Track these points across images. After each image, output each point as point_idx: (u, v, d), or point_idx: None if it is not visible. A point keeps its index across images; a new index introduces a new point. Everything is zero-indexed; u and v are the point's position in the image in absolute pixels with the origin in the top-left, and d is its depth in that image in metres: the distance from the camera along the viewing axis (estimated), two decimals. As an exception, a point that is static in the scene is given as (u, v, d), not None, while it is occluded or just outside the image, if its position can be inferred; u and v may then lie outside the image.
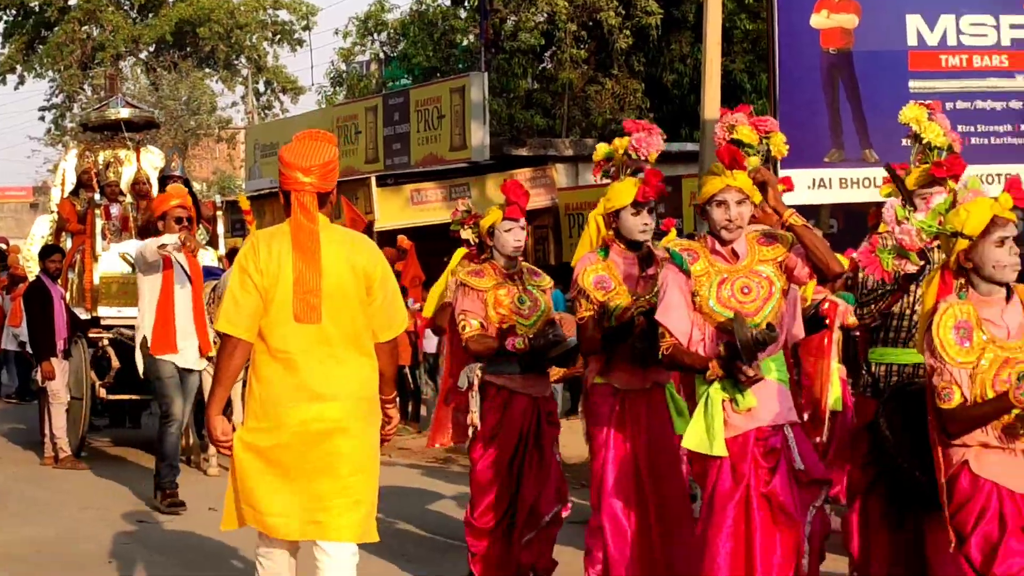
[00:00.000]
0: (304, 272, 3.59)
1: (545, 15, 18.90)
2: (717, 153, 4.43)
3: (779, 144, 4.74)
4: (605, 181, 5.21)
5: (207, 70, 33.08)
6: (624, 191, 4.99)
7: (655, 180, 4.91)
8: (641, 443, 5.00)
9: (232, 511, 3.77)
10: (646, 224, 4.99)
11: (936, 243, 4.19)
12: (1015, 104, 8.71)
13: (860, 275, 4.82)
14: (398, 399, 4.61)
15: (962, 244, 3.61)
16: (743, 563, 4.14)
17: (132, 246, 8.32)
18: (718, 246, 4.26)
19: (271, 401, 3.62)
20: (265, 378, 3.64)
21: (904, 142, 4.96)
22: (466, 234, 5.75)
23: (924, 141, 4.87)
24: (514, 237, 5.32)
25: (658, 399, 5.07)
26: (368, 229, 12.10)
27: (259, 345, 3.63)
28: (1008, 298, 3.63)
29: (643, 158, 5.04)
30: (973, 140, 8.36)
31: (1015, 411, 3.49)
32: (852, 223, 9.64)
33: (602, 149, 5.25)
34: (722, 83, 11.40)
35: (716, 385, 4.17)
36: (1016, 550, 3.51)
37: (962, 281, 3.66)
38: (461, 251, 5.76)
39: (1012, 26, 8.55)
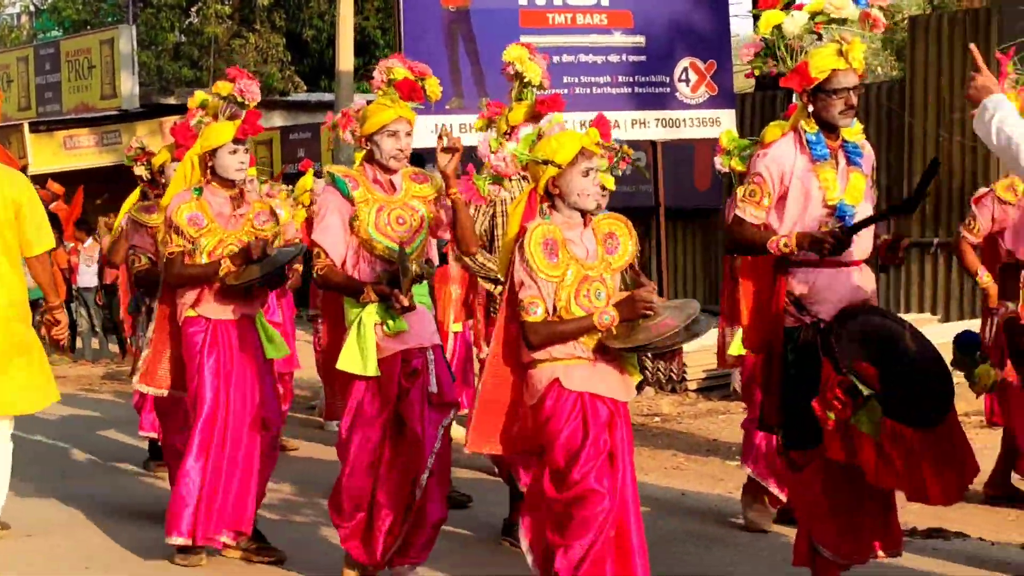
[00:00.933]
0: None
1: (190, -29, 20.05)
2: (396, 85, 4.50)
3: (434, 87, 4.81)
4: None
5: None
6: (223, 130, 5.02)
7: (254, 120, 5.02)
8: (231, 369, 5.09)
9: None
10: (242, 163, 5.05)
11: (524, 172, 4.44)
12: (613, 58, 9.39)
13: None
14: (63, 306, 5.34)
15: (551, 171, 3.77)
16: (371, 475, 4.35)
17: None
18: (379, 175, 4.37)
19: None
20: None
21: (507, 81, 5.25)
22: (139, 170, 6.11)
23: (525, 80, 5.15)
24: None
25: (247, 327, 5.16)
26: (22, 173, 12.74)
27: None
28: (585, 224, 3.88)
29: (248, 102, 5.13)
30: (577, 90, 9.03)
31: (597, 334, 3.74)
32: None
33: (198, 96, 5.32)
34: (357, 38, 11.91)
35: (369, 309, 4.28)
36: (592, 455, 3.71)
37: (546, 204, 3.84)
38: (137, 192, 6.10)
39: None
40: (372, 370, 4.20)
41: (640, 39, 9.13)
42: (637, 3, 9.28)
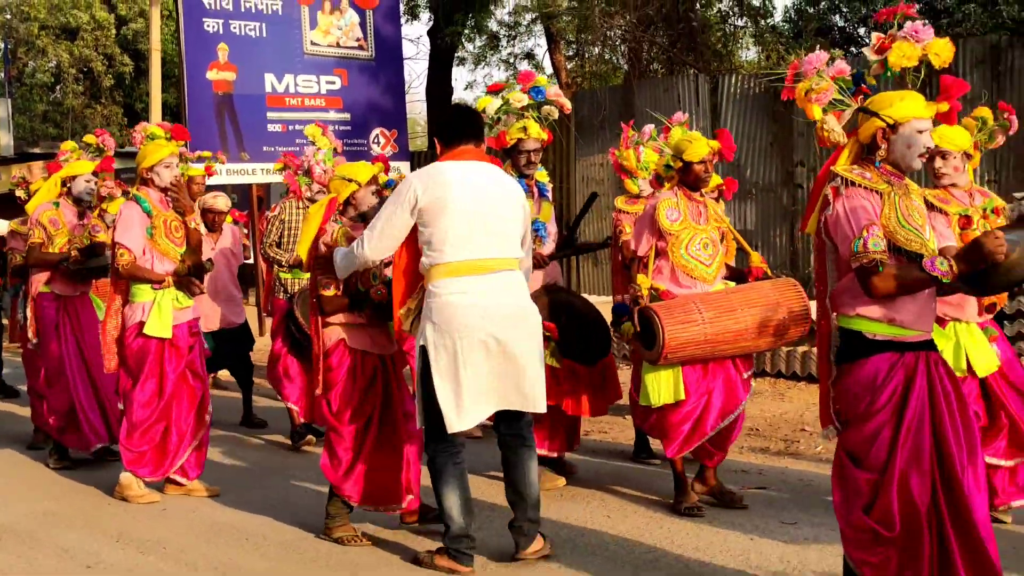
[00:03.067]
0: None
1: (55, 62, 24.50)
2: (173, 131, 5.14)
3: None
4: None
5: None
6: (85, 165, 5.80)
7: (110, 162, 5.81)
8: (78, 335, 5.84)
9: None
10: (91, 191, 5.76)
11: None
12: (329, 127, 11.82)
13: None
14: None
15: (352, 187, 4.35)
16: (160, 409, 4.95)
17: None
18: (160, 197, 4.99)
19: None
20: None
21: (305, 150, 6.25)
22: (19, 192, 6.70)
23: (317, 144, 6.11)
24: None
25: (87, 302, 5.95)
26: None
27: None
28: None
29: (106, 150, 5.91)
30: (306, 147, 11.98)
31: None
32: (244, 198, 12.54)
33: (70, 144, 6.00)
34: (166, 111, 14.96)
35: (167, 291, 4.89)
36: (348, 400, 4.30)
37: (339, 212, 4.46)
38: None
39: (327, 82, 11.71)
40: (168, 333, 4.82)
41: (347, 115, 11.59)
42: (345, 92, 11.76)
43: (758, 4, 13.65)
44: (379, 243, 3.86)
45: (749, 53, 14.64)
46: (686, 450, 4.55)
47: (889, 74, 3.21)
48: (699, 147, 4.63)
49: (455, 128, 3.93)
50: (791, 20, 17.67)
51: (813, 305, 3.71)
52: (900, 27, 3.17)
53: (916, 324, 3.04)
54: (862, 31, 16.30)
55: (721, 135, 4.84)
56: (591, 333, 4.93)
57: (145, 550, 4.36)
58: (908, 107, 3.04)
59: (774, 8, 13.94)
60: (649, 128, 5.79)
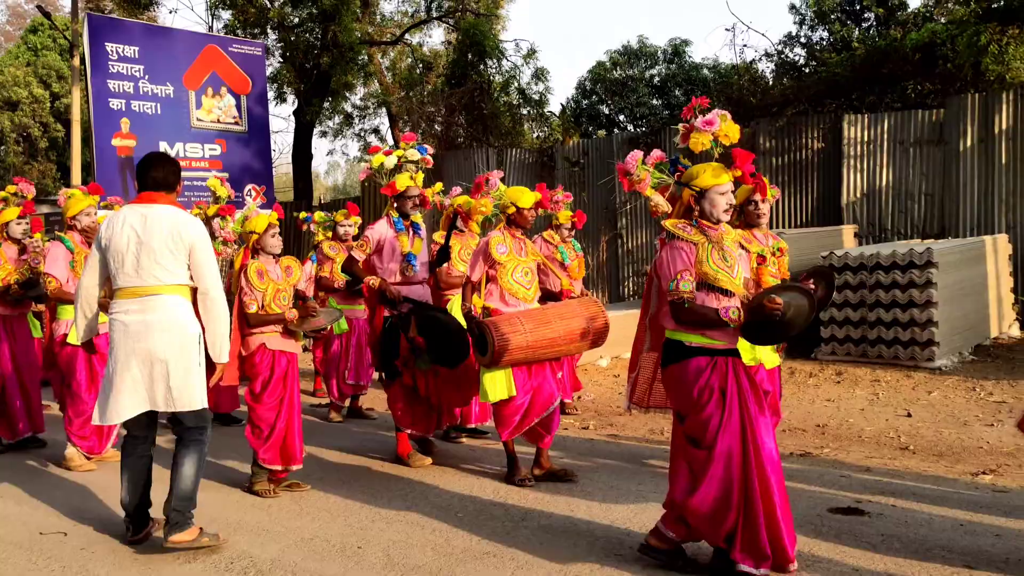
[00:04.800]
0: None
1: (-1, 128, 26.29)
2: (89, 188, 5.83)
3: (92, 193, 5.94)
4: None
5: None
6: (12, 211, 6.27)
7: (31, 206, 6.33)
8: (13, 346, 6.37)
9: None
10: (24, 231, 6.32)
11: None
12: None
13: None
14: None
15: (255, 237, 4.97)
16: (93, 398, 5.36)
17: None
18: (81, 239, 5.61)
19: None
20: None
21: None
22: None
23: (217, 194, 7.51)
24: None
25: (24, 320, 6.48)
26: None
27: None
28: (275, 261, 5.07)
29: (27, 195, 6.43)
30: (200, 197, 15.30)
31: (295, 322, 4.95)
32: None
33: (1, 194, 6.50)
34: (85, 169, 17.18)
35: (70, 308, 5.50)
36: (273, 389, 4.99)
37: (252, 255, 5.06)
38: None
39: (209, 149, 14.31)
40: (78, 341, 4.66)
41: (226, 174, 13.60)
42: (224, 157, 14.42)
43: (537, 97, 17.65)
44: (85, 275, 4.26)
45: (535, 132, 18.54)
46: (516, 435, 5.11)
47: (712, 148, 3.76)
48: (529, 197, 5.33)
49: (140, 177, 4.18)
50: (571, 108, 22.02)
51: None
52: (703, 113, 3.80)
53: (723, 338, 3.62)
54: (621, 117, 20.70)
55: (540, 188, 5.56)
56: (453, 342, 5.33)
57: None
58: (709, 178, 3.66)
59: (548, 100, 17.92)
60: (496, 179, 6.20)
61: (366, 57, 18.80)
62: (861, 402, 7.55)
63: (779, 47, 16.99)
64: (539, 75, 17.68)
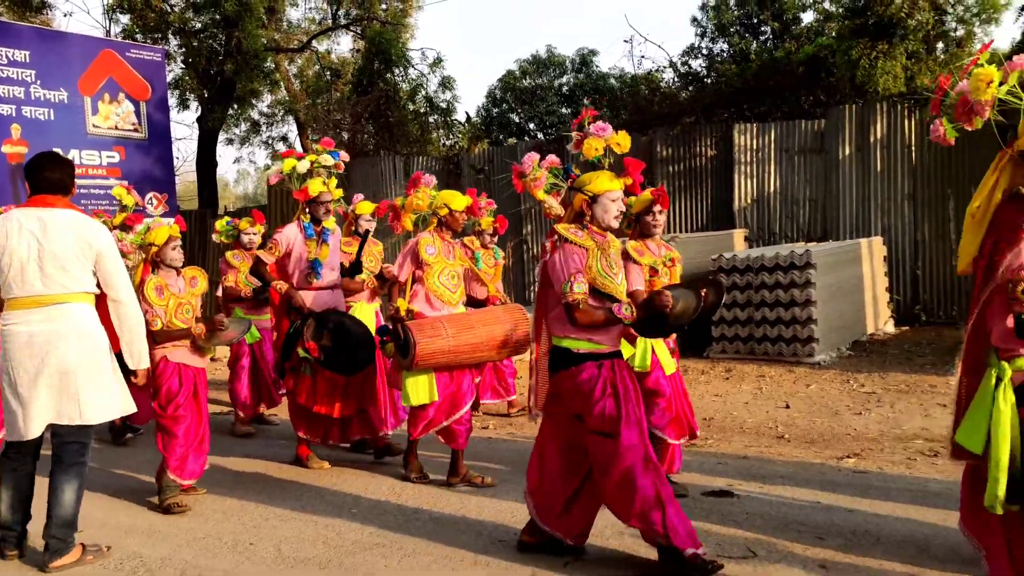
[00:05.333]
0: None
1: None
2: None
3: None
4: None
5: None
6: None
7: None
8: None
9: None
10: None
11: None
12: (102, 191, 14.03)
13: None
14: None
15: (155, 249, 4.88)
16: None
17: None
18: None
19: None
20: None
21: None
22: None
23: (124, 202, 7.21)
24: None
25: None
26: None
27: None
28: (178, 273, 5.03)
29: None
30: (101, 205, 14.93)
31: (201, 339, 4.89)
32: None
33: None
34: None
35: None
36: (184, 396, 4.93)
37: (152, 267, 4.99)
38: None
39: (107, 156, 14.00)
40: None
41: (125, 182, 12.39)
42: (123, 164, 14.23)
43: (444, 105, 17.86)
44: None
45: (444, 140, 18.76)
46: (424, 434, 5.17)
47: (596, 160, 3.90)
48: (461, 200, 5.37)
49: (32, 179, 3.99)
50: (482, 116, 22.33)
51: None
52: (593, 123, 3.94)
53: (608, 343, 3.74)
54: (532, 125, 21.13)
55: (471, 193, 5.66)
56: (354, 349, 5.39)
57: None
58: (601, 183, 3.74)
59: (455, 108, 18.18)
60: (430, 180, 6.01)
61: (272, 64, 18.68)
62: (746, 396, 7.97)
63: (683, 58, 17.67)
64: (446, 83, 17.90)
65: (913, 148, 11.10)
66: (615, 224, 3.79)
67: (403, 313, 5.16)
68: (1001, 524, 2.97)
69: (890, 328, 10.60)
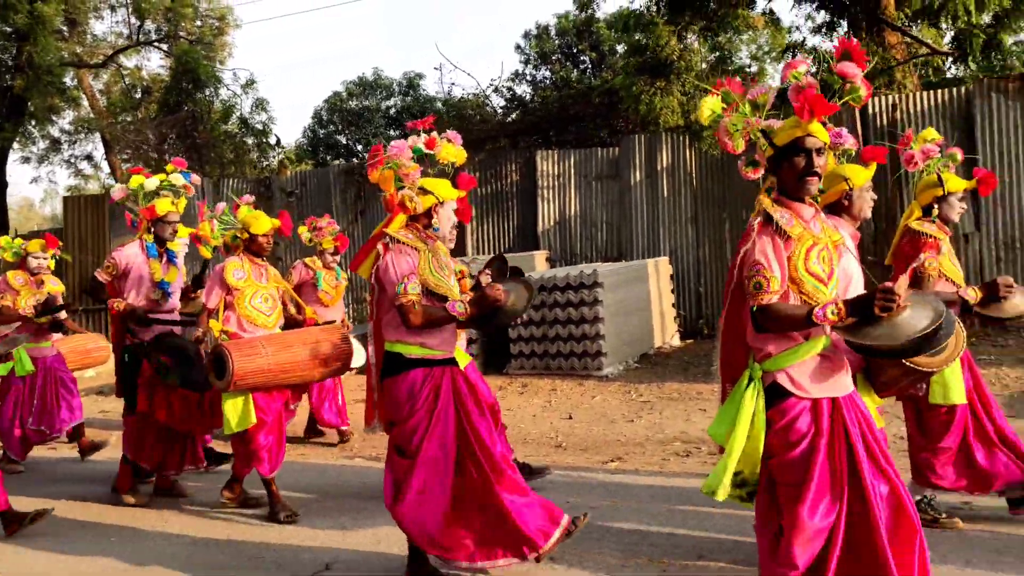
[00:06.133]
0: None
1: None
2: None
3: None
4: None
5: None
6: None
7: None
8: None
9: None
10: None
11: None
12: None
13: None
14: None
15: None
16: None
17: None
18: None
19: None
20: None
21: None
22: None
23: None
24: None
25: None
26: None
27: None
28: None
29: None
30: None
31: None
32: None
33: None
34: None
35: None
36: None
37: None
38: None
39: None
40: None
41: None
42: None
43: (260, 127, 17.70)
44: None
45: (265, 162, 18.56)
46: (278, 466, 5.14)
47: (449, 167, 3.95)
48: (263, 223, 5.31)
49: None
50: (308, 137, 22.23)
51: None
52: (427, 133, 3.99)
53: (441, 347, 3.75)
54: (360, 147, 21.27)
55: (281, 216, 5.47)
56: (197, 366, 5.31)
57: None
58: (444, 190, 3.89)
59: (271, 130, 18.06)
60: (221, 205, 5.86)
61: (71, 80, 17.84)
62: (535, 409, 8.47)
63: (507, 83, 18.36)
64: (260, 105, 17.73)
65: (694, 176, 12.11)
66: (447, 233, 3.93)
67: (217, 334, 5.12)
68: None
69: (676, 341, 11.49)
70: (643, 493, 5.39)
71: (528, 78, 19.53)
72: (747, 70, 14.34)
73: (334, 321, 6.63)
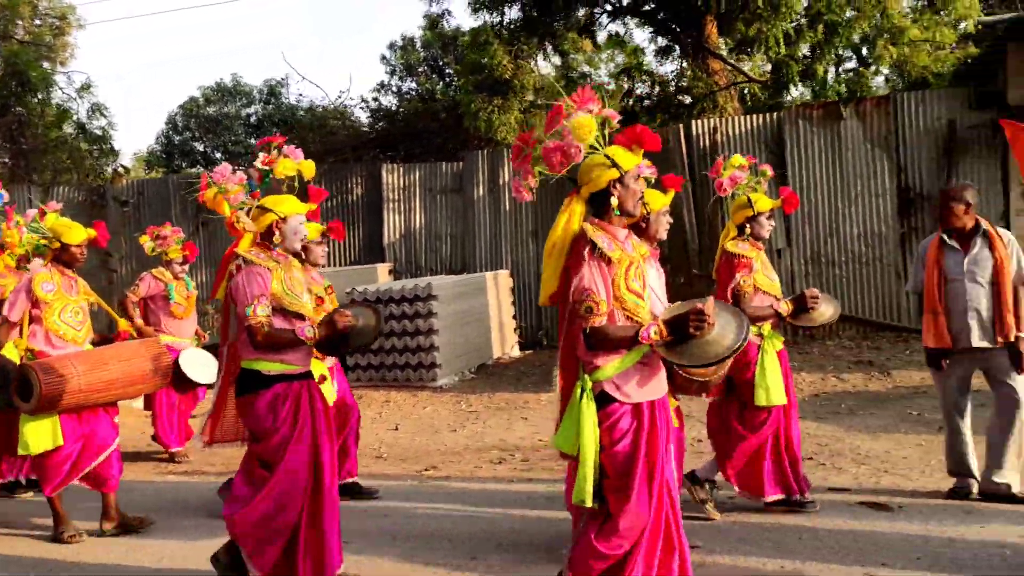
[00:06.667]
0: None
1: None
2: None
3: None
4: None
5: None
6: None
7: None
8: None
9: None
10: None
11: None
12: None
13: None
14: None
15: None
16: None
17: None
18: None
19: None
20: None
21: None
22: None
23: None
24: None
25: None
26: None
27: None
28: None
29: None
30: None
31: None
32: None
33: None
34: None
35: None
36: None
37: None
38: None
39: None
40: None
41: None
42: None
43: (100, 133, 17.04)
44: None
45: (106, 168, 17.84)
46: (64, 487, 4.96)
47: (267, 181, 4.02)
48: (77, 232, 5.13)
49: None
50: (162, 143, 21.49)
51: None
52: (279, 150, 4.06)
53: (298, 362, 3.82)
54: (218, 155, 20.75)
55: (97, 226, 5.33)
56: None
57: None
58: (291, 206, 3.90)
59: (111, 136, 17.42)
60: (32, 212, 5.66)
61: None
62: (366, 421, 8.54)
63: (373, 94, 18.31)
64: (97, 109, 17.06)
65: (535, 191, 12.50)
66: (298, 247, 3.96)
67: (22, 352, 4.92)
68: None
69: (516, 352, 11.83)
70: (448, 499, 5.59)
71: (394, 89, 19.59)
72: (594, 86, 14.83)
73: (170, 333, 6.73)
